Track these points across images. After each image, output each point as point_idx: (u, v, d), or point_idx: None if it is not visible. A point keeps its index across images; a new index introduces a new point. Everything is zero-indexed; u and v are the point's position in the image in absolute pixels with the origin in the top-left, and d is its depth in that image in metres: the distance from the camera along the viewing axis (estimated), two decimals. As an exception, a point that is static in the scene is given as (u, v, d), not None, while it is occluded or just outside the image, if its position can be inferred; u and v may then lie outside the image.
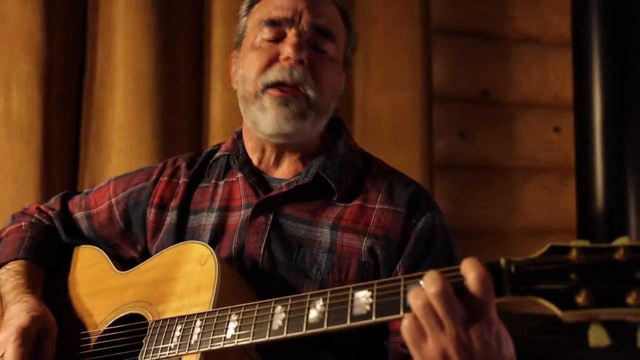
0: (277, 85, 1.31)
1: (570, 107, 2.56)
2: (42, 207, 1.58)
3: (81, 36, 2.26)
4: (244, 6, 1.45)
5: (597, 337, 0.82)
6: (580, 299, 0.83)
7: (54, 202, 1.59)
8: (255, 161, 1.42)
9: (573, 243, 0.89)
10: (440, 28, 2.67)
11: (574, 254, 0.87)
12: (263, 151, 1.41)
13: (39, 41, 2.10)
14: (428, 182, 2.43)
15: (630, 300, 0.81)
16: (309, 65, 1.32)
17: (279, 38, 1.34)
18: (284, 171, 1.41)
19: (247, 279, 1.27)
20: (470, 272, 0.89)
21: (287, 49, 1.31)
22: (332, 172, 1.35)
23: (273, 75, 1.31)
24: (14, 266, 1.44)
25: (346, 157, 1.41)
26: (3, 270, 1.44)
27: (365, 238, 1.29)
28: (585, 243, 0.88)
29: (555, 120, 2.77)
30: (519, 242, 2.66)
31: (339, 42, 1.40)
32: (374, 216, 1.32)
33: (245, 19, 1.44)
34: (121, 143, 2.17)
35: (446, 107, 2.68)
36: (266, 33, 1.35)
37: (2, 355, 1.24)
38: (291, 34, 1.33)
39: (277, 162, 1.41)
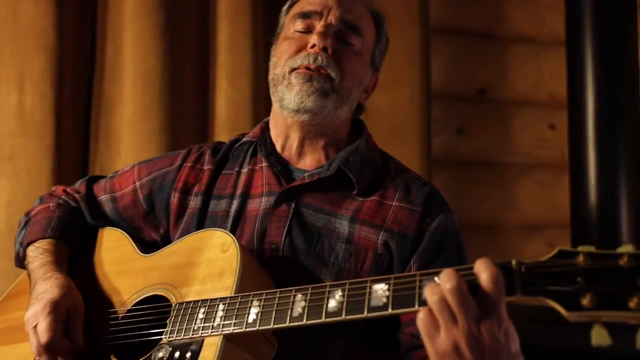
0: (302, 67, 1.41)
1: (565, 104, 2.63)
2: (68, 189, 1.64)
3: (91, 35, 2.31)
4: (285, 7, 1.55)
5: (600, 337, 0.88)
6: (585, 301, 0.89)
7: (80, 185, 1.65)
8: (279, 148, 1.49)
9: (580, 248, 0.94)
10: (439, 28, 2.74)
11: (580, 258, 0.92)
12: (287, 137, 1.48)
13: (51, 40, 2.15)
14: (426, 177, 2.50)
15: (632, 304, 0.87)
16: (333, 54, 1.41)
17: (309, 30, 1.44)
18: (307, 162, 1.48)
19: (268, 263, 1.34)
20: (483, 271, 0.96)
21: (313, 37, 1.41)
22: (353, 167, 1.42)
23: (300, 60, 1.41)
24: (42, 244, 1.50)
25: (366, 154, 1.48)
26: (32, 247, 1.51)
27: (382, 232, 1.37)
28: (591, 249, 0.93)
29: (551, 118, 2.86)
30: (515, 237, 2.75)
31: (365, 39, 1.47)
32: (390, 212, 1.39)
33: (284, 17, 1.54)
34: (130, 138, 2.23)
35: (445, 105, 2.76)
36: (298, 25, 1.45)
37: (35, 326, 1.29)
38: (319, 25, 1.43)
39: (300, 150, 1.48)
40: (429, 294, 0.97)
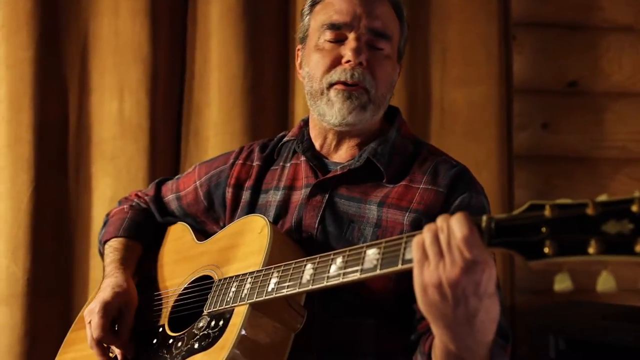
0: (340, 83, 1.47)
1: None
2: (139, 193, 1.85)
3: (182, 46, 2.53)
4: (307, 5, 1.59)
5: (561, 282, 0.89)
6: (547, 249, 0.90)
7: (150, 188, 1.85)
8: (317, 146, 1.59)
9: (559, 201, 0.93)
10: (524, 22, 2.67)
11: (548, 210, 0.92)
12: (325, 138, 1.57)
13: (146, 52, 2.40)
14: (506, 173, 2.45)
15: (591, 250, 0.86)
16: (367, 65, 1.46)
17: (340, 39, 1.49)
18: (342, 156, 1.56)
19: (304, 248, 1.44)
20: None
21: (348, 53, 1.46)
22: (382, 157, 1.48)
23: (337, 75, 1.47)
24: (114, 243, 1.71)
25: (397, 143, 1.53)
26: (107, 245, 1.73)
27: (408, 213, 1.41)
28: (566, 201, 0.92)
29: (651, 110, 2.67)
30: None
31: (393, 40, 1.53)
32: (417, 194, 1.44)
33: (308, 17, 1.58)
34: (216, 139, 2.42)
35: (529, 100, 2.67)
36: (328, 35, 1.49)
37: (90, 322, 1.50)
38: (351, 37, 1.47)
39: (337, 147, 1.57)
40: (426, 229, 1.01)
